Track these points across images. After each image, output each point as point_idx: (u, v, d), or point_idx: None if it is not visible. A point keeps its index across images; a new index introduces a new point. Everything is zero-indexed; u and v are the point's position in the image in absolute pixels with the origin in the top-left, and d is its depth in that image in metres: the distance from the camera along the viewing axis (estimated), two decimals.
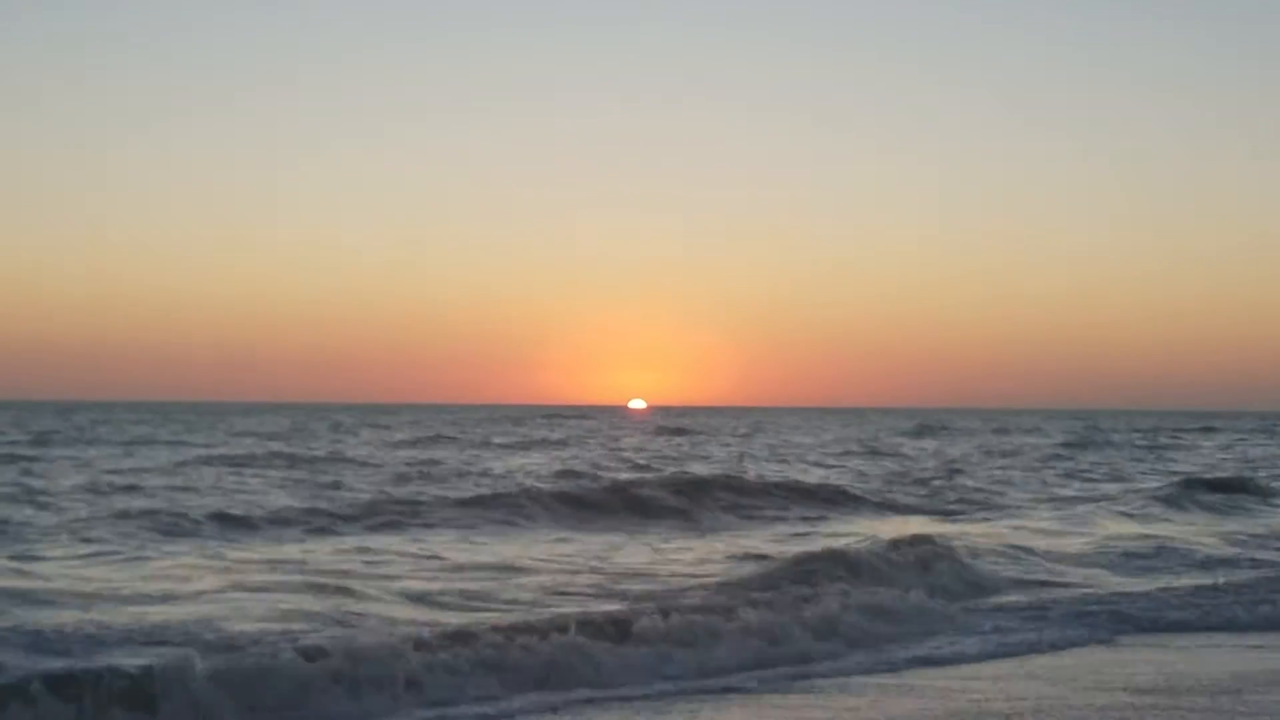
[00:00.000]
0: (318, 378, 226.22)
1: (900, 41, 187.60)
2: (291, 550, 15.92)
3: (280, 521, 18.91)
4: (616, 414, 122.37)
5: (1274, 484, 30.54)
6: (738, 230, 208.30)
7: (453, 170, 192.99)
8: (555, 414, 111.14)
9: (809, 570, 13.32)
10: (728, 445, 53.25)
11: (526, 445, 49.39)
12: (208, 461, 34.02)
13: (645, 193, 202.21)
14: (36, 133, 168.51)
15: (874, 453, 46.75)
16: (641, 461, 39.20)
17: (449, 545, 16.98)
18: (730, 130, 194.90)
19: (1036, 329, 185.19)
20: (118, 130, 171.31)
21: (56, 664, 8.15)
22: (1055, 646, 10.54)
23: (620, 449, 48.02)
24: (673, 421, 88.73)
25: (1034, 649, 10.42)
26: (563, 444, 50.87)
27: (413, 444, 47.70)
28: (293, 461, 34.85)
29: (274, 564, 14.25)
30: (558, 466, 34.85)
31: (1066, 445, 53.73)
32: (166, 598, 11.49)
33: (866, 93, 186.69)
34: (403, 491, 24.98)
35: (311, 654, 8.25)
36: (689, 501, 23.21)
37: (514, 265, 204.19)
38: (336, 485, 26.89)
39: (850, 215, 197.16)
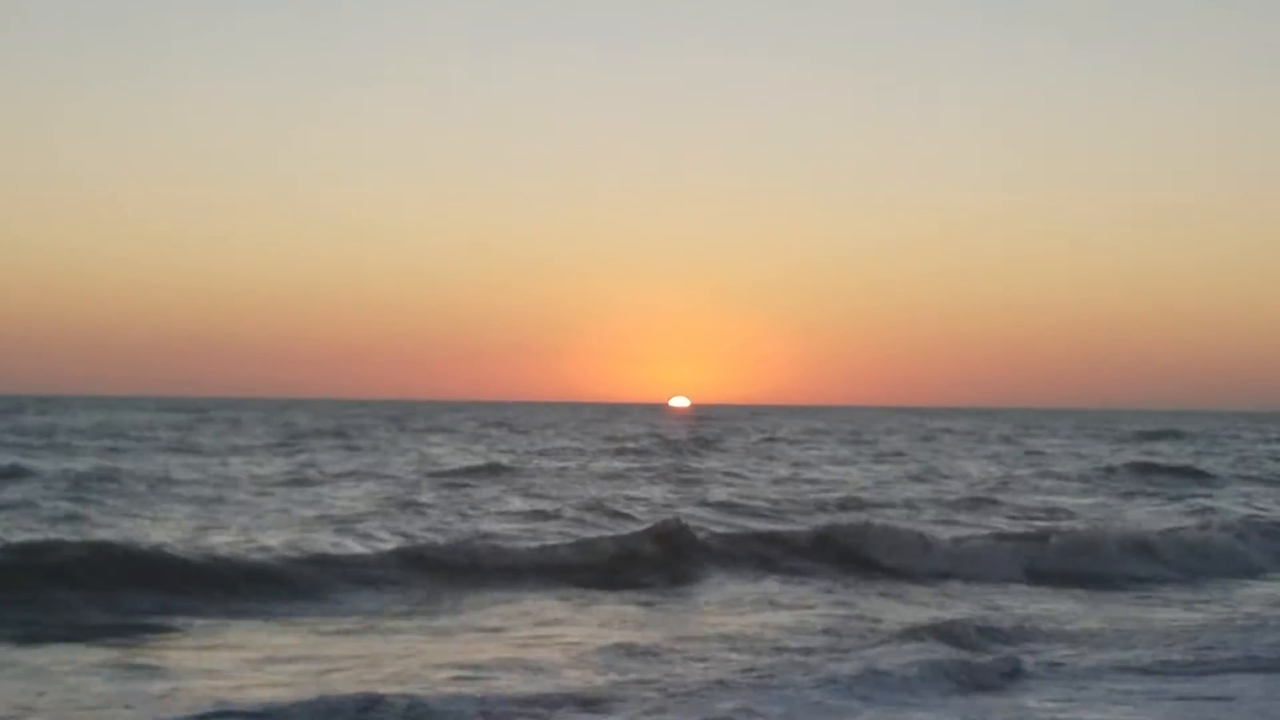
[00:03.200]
0: (318, 373, 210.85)
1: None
2: None
3: None
4: (663, 413, 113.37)
5: None
6: (787, 206, 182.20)
7: (473, 137, 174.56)
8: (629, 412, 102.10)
9: None
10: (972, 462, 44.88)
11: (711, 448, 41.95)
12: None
13: (682, 164, 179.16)
14: (52, 118, 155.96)
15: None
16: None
17: None
18: (785, 89, 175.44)
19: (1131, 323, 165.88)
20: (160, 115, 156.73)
21: None
22: None
23: (805, 461, 40.13)
24: (750, 424, 79.21)
25: None
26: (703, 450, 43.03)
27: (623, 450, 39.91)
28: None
29: None
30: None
31: None
32: None
33: (947, 55, 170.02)
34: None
35: None
36: None
37: (534, 247, 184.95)
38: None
39: (909, 194, 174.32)
